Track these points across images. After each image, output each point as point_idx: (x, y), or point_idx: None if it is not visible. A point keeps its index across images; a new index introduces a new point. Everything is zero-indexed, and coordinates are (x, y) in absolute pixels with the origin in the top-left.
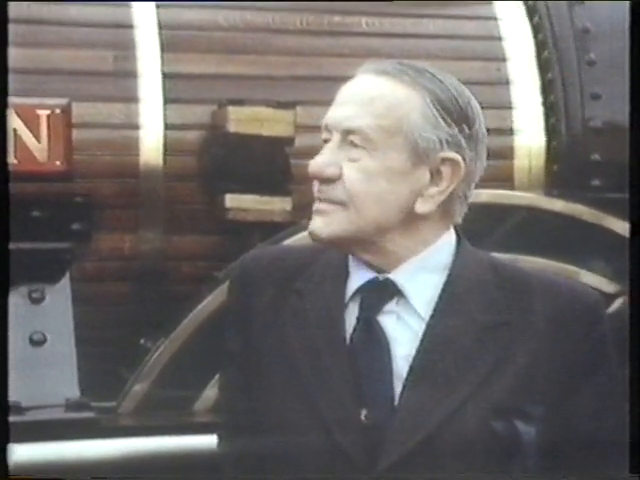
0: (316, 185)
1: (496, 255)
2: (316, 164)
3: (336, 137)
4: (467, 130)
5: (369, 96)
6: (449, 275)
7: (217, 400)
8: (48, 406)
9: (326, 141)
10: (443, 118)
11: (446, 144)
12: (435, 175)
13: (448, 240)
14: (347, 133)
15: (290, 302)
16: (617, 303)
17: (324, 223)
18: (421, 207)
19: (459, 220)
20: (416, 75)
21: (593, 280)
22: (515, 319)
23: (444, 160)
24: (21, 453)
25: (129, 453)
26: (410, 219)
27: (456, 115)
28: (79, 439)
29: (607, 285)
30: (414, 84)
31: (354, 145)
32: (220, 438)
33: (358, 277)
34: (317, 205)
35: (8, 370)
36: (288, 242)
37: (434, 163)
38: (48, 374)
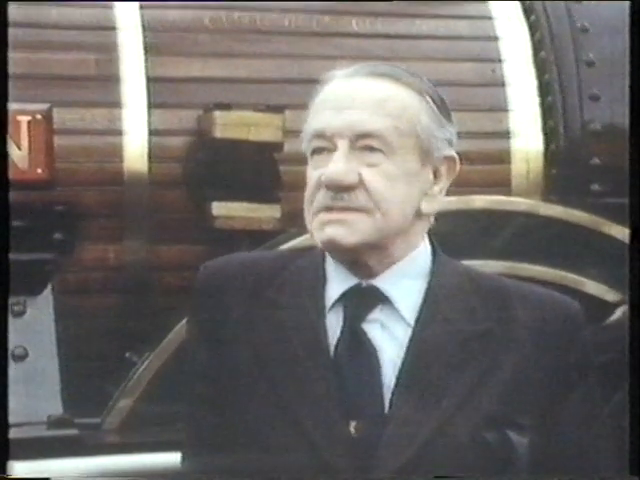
0: (327, 194)
1: (478, 263)
2: (334, 173)
3: (343, 144)
4: (453, 129)
5: (378, 98)
6: (429, 282)
7: (183, 417)
8: (30, 423)
9: (319, 150)
10: (442, 117)
11: (447, 143)
12: (436, 174)
13: (425, 246)
14: (360, 137)
15: (263, 312)
16: (618, 312)
17: (348, 231)
18: (427, 207)
19: (432, 222)
20: (410, 76)
21: (594, 289)
22: (497, 328)
23: (444, 159)
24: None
25: (114, 471)
26: (414, 220)
27: (447, 114)
28: (62, 457)
29: (608, 293)
30: (411, 85)
31: (371, 149)
32: (186, 456)
33: (339, 284)
34: (332, 215)
35: (8, 385)
36: (268, 251)
37: (436, 162)
38: (30, 390)
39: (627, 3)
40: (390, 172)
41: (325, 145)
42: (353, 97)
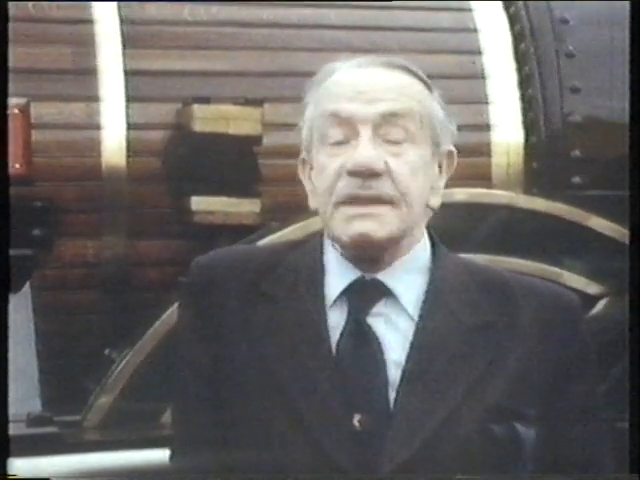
0: (353, 183)
1: (470, 256)
2: (363, 158)
3: (366, 131)
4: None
5: (399, 84)
6: (431, 276)
7: (174, 413)
8: (9, 421)
9: (337, 137)
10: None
11: (451, 138)
12: (440, 168)
13: (425, 240)
14: (385, 119)
15: (260, 307)
16: (600, 305)
17: (378, 225)
18: (433, 201)
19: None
20: (417, 70)
21: (575, 281)
22: (500, 320)
23: (447, 153)
24: None
25: (94, 469)
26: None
27: (448, 110)
28: (42, 455)
29: (589, 286)
30: (424, 80)
31: (392, 141)
32: (177, 453)
33: (341, 278)
34: (359, 208)
35: (8, 382)
36: (259, 244)
37: (441, 156)
38: (8, 387)
39: (626, 3)
40: (412, 162)
41: (345, 132)
42: (373, 83)
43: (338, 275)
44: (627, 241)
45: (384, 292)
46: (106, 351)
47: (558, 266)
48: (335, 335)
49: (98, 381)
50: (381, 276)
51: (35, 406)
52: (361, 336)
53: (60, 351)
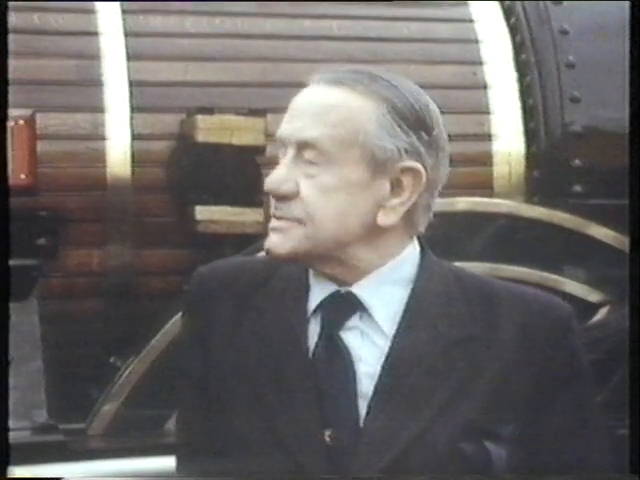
0: (272, 202)
1: (464, 265)
2: (272, 181)
3: (290, 151)
4: (426, 137)
5: (322, 106)
6: (413, 289)
7: (177, 422)
8: (14, 429)
9: (283, 156)
10: (400, 126)
11: (405, 153)
12: (396, 186)
13: (412, 251)
14: (301, 146)
15: (250, 319)
16: (600, 313)
17: (280, 240)
18: (383, 219)
19: (422, 230)
20: (370, 83)
21: (576, 289)
22: (482, 333)
23: (404, 170)
24: None
25: (99, 476)
26: (373, 232)
27: (413, 122)
28: (47, 463)
29: (590, 294)
30: (369, 93)
31: (309, 162)
32: (179, 459)
33: (319, 291)
34: (273, 223)
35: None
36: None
37: (394, 173)
38: (14, 396)
39: (607, 4)
40: (327, 184)
41: (282, 152)
42: (305, 104)
43: (318, 289)
44: (627, 249)
45: (357, 305)
46: (111, 359)
47: (559, 274)
48: (312, 348)
49: (103, 389)
50: (355, 289)
51: (41, 414)
52: (332, 349)
53: (65, 359)
